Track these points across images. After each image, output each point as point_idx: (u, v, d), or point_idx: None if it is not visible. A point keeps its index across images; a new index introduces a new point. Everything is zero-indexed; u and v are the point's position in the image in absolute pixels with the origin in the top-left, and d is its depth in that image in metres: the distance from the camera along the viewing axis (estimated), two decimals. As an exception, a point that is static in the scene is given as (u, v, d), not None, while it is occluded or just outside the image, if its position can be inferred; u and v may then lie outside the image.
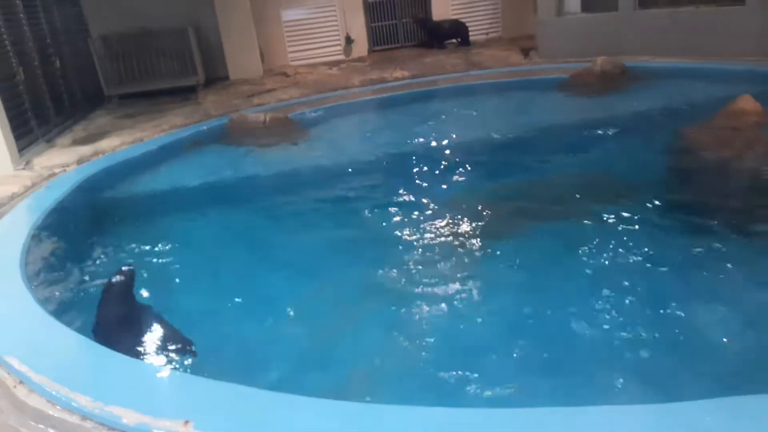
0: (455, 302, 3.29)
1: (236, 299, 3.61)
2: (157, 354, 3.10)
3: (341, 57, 12.38)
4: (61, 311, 3.47)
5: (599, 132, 6.15)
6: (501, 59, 10.18)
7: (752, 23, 7.82)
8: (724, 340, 2.83)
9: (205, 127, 7.73)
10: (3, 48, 6.79)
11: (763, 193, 4.37)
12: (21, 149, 6.55)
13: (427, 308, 3.27)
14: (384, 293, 3.50)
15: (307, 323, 3.29)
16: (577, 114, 7.10)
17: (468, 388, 2.67)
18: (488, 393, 2.64)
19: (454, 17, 12.52)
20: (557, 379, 2.70)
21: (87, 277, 4.03)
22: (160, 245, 4.49)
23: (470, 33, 12.40)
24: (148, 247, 4.47)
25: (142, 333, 3.26)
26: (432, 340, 3.05)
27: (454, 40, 12.32)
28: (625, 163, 5.27)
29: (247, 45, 11.00)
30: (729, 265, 3.40)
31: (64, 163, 6.41)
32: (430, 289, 3.44)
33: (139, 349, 3.12)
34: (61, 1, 9.22)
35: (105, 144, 7.10)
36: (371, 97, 8.83)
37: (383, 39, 12.77)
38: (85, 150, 6.87)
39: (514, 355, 2.89)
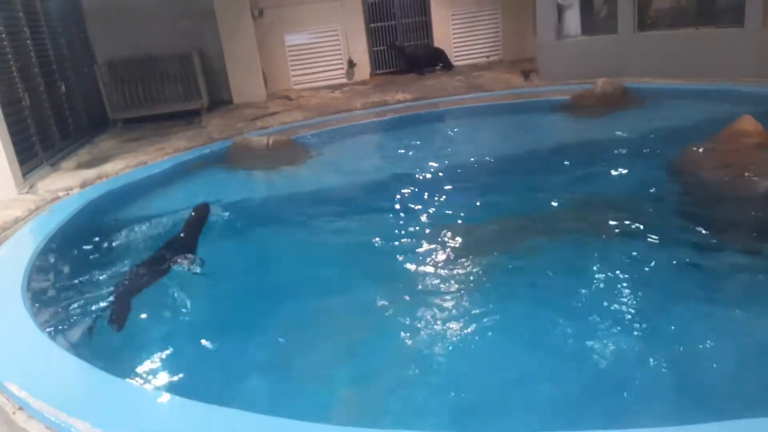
0: (455, 325, 3.27)
1: (233, 322, 3.60)
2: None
3: (344, 80, 12.51)
4: (62, 336, 3.46)
5: (600, 153, 6.18)
6: (502, 82, 10.26)
7: (751, 44, 7.88)
8: (723, 359, 2.81)
9: (208, 151, 7.79)
10: (9, 73, 6.88)
11: (763, 212, 4.35)
12: (25, 173, 6.60)
13: (428, 331, 3.25)
14: (384, 312, 3.49)
15: (304, 347, 3.27)
16: (579, 135, 7.13)
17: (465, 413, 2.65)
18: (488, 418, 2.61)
19: (434, 44, 12.60)
20: (562, 402, 2.67)
21: (89, 302, 4.02)
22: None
23: (471, 56, 12.56)
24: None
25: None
26: (431, 362, 3.03)
27: (437, 67, 12.29)
28: (626, 184, 5.28)
29: (250, 69, 11.11)
30: (729, 284, 3.40)
31: (68, 187, 6.45)
32: (430, 311, 3.42)
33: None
34: (67, 27, 9.38)
35: (109, 167, 7.15)
36: (373, 119, 8.89)
37: (385, 63, 12.90)
38: (89, 174, 6.92)
39: (517, 377, 2.86)
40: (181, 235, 4.65)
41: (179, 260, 4.22)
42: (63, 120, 8.36)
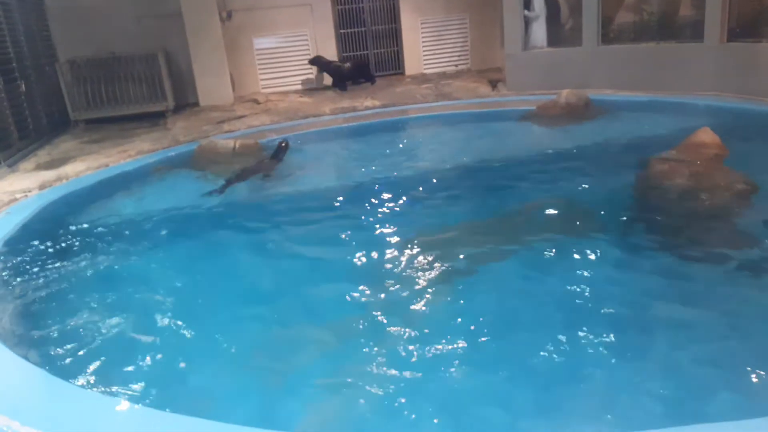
0: (423, 336, 3.27)
1: (191, 331, 3.52)
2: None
3: (313, 85, 12.46)
4: (14, 340, 3.34)
5: (563, 161, 6.29)
6: (470, 90, 10.37)
7: (710, 59, 8.14)
8: (683, 366, 2.87)
9: (172, 153, 7.66)
10: (-35, 71, 6.67)
11: (720, 221, 4.48)
12: (-19, 174, 6.39)
13: (394, 340, 3.24)
14: (353, 323, 3.46)
15: (272, 358, 3.23)
16: (543, 144, 7.25)
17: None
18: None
19: (356, 56, 12.40)
20: (539, 416, 2.69)
21: (45, 307, 3.90)
22: (121, 274, 4.39)
23: (440, 65, 12.71)
24: (109, 276, 4.37)
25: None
26: (392, 377, 3.01)
27: (361, 80, 11.98)
28: (587, 192, 5.37)
29: (218, 72, 10.99)
30: (687, 287, 3.52)
31: (26, 189, 6.26)
32: (396, 320, 3.42)
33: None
34: (28, 25, 9.14)
35: (69, 169, 6.97)
36: (342, 125, 8.88)
37: (354, 68, 12.89)
38: (49, 175, 6.73)
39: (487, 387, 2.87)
40: (269, 158, 7.00)
41: (266, 170, 6.65)
42: (22, 119, 8.12)
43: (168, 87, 10.53)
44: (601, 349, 3.04)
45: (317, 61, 11.90)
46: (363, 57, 12.61)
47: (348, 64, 12.05)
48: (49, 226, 5.38)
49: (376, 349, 3.16)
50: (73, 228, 5.40)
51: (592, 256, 3.96)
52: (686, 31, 9.35)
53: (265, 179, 6.47)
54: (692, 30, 8.82)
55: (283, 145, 7.10)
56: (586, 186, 5.55)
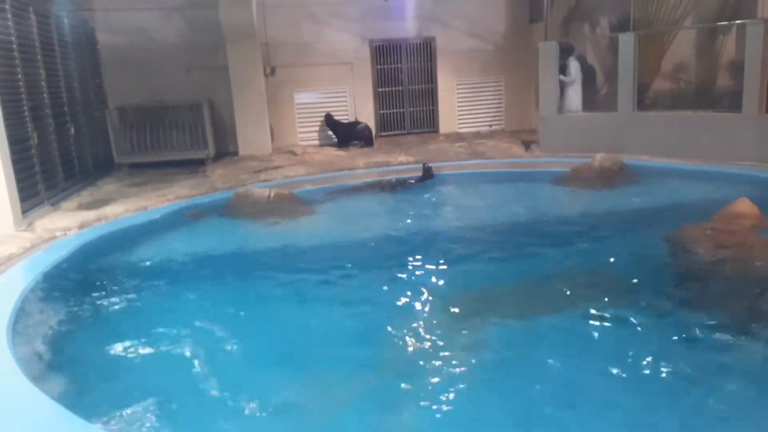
0: (436, 396, 3.20)
1: (225, 377, 3.52)
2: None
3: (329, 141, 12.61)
4: (44, 378, 3.38)
5: (596, 227, 6.21)
6: (503, 150, 10.45)
7: (749, 130, 8.07)
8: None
9: (209, 199, 7.84)
10: (20, 112, 7.01)
11: (758, 294, 4.34)
12: (25, 210, 6.62)
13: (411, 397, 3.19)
14: (368, 373, 3.43)
15: (298, 408, 3.19)
16: (576, 208, 7.19)
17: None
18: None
19: (362, 120, 12.41)
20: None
21: (75, 345, 3.96)
22: (151, 316, 4.45)
23: (475, 125, 12.99)
24: (139, 317, 4.43)
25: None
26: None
27: (357, 142, 12.05)
28: (620, 259, 5.27)
29: (258, 123, 11.33)
30: (721, 362, 3.38)
31: (66, 227, 6.45)
32: (418, 376, 3.37)
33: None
34: (83, 72, 9.64)
35: (109, 210, 7.18)
36: (376, 178, 8.99)
37: (390, 125, 13.18)
38: (89, 215, 6.94)
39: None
40: (418, 180, 8.56)
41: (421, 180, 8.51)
42: (69, 161, 8.46)
43: (210, 135, 10.89)
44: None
45: (330, 121, 12.18)
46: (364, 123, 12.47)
47: (357, 126, 12.15)
48: (87, 264, 5.52)
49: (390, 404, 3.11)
50: (109, 267, 5.53)
51: (624, 324, 3.86)
52: (724, 101, 9.34)
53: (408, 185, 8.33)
54: (730, 99, 8.81)
55: (428, 167, 8.58)
56: (619, 252, 5.46)
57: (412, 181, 8.50)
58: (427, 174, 8.53)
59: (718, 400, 3.07)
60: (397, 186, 8.30)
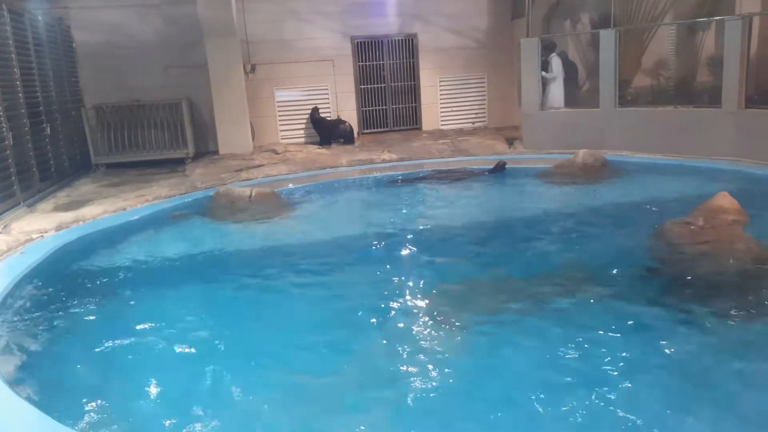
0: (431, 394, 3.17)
1: (207, 380, 3.45)
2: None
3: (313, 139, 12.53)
4: (21, 384, 3.29)
5: (578, 221, 6.23)
6: (486, 147, 10.45)
7: (729, 125, 8.14)
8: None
9: (189, 199, 7.73)
10: (-6, 113, 6.85)
11: (737, 287, 4.36)
12: (0, 213, 6.47)
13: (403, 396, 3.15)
14: (350, 370, 3.38)
15: (283, 411, 3.14)
16: (559, 203, 7.20)
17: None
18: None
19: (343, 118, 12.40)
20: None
21: (54, 350, 3.86)
22: (132, 318, 4.35)
23: (457, 122, 12.95)
24: (118, 318, 4.34)
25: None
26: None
27: (340, 140, 12.05)
28: (603, 253, 5.28)
29: (239, 121, 11.19)
30: (704, 356, 3.40)
31: (43, 229, 6.32)
32: (407, 375, 3.33)
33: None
34: (58, 71, 9.44)
35: (86, 211, 7.04)
36: (358, 176, 8.94)
37: (373, 123, 13.11)
38: (66, 216, 6.80)
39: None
40: (489, 172, 8.69)
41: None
42: (45, 161, 8.29)
43: (189, 134, 10.75)
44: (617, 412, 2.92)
45: (315, 118, 12.10)
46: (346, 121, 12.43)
47: (341, 124, 12.12)
48: (64, 267, 5.40)
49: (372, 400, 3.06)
50: (87, 269, 5.41)
51: (605, 319, 3.86)
52: (704, 96, 9.42)
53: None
54: (710, 95, 8.89)
55: (503, 162, 8.75)
56: (601, 247, 5.47)
57: (486, 173, 8.70)
58: (500, 167, 8.66)
59: (696, 391, 3.07)
60: (463, 178, 8.49)
